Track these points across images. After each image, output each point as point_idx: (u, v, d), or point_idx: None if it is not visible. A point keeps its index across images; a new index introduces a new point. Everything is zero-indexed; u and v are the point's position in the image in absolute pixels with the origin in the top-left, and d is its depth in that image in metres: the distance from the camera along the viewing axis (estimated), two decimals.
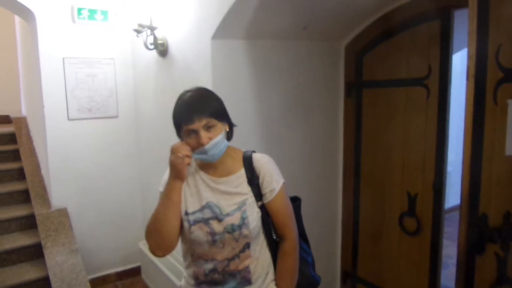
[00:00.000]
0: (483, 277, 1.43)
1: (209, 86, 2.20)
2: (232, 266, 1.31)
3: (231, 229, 1.28)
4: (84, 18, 3.08)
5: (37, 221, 2.99)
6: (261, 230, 1.35)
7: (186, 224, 1.31)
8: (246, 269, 1.32)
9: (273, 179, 1.35)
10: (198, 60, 2.31)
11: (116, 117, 3.30)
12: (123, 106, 3.34)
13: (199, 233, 1.29)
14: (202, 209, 1.32)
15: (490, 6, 1.35)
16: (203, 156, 1.28)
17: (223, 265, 1.31)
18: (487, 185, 1.39)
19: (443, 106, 2.06)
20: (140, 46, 2.84)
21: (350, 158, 2.61)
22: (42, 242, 2.84)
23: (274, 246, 1.38)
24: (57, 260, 2.71)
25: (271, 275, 1.38)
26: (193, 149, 1.27)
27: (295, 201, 1.51)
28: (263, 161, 1.38)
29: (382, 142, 2.39)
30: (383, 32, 2.33)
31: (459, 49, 2.43)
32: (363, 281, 2.59)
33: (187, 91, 1.33)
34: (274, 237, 1.37)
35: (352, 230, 2.64)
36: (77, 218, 3.18)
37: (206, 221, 1.30)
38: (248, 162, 1.37)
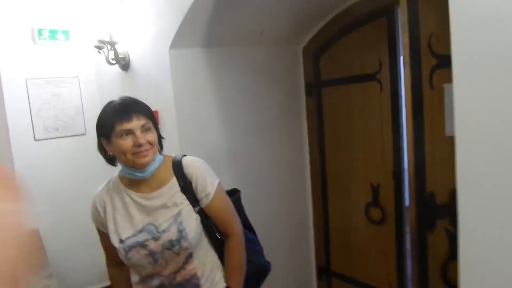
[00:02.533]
0: (436, 253, 1.51)
1: (171, 95, 2.26)
2: (179, 277, 1.30)
3: (170, 245, 1.25)
4: (45, 38, 3.09)
5: None
6: (203, 234, 1.33)
7: (122, 252, 1.27)
8: (194, 276, 1.31)
9: (206, 182, 1.31)
10: (158, 72, 2.36)
11: (84, 134, 3.30)
12: (90, 123, 3.33)
13: (137, 256, 1.26)
14: (137, 233, 1.27)
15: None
16: (137, 174, 1.25)
17: (170, 279, 1.30)
18: (431, 165, 1.47)
19: (395, 98, 2.16)
20: (103, 62, 2.87)
21: (315, 156, 2.68)
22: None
23: (220, 244, 1.37)
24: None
25: (219, 273, 1.37)
26: (125, 153, 1.21)
27: (235, 194, 1.52)
28: (194, 166, 1.33)
29: (344, 138, 2.48)
30: (337, 33, 2.43)
31: None
32: (337, 275, 2.65)
33: (114, 100, 1.29)
34: (219, 237, 1.35)
35: (323, 226, 2.71)
36: (51, 238, 3.14)
37: (142, 244, 1.26)
38: (179, 169, 1.31)
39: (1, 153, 3.60)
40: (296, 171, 2.74)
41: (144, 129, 1.23)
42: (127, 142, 1.20)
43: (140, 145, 1.20)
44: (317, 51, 2.58)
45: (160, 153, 1.33)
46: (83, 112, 3.29)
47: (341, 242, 2.60)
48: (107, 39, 2.66)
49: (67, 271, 3.23)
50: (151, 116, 1.27)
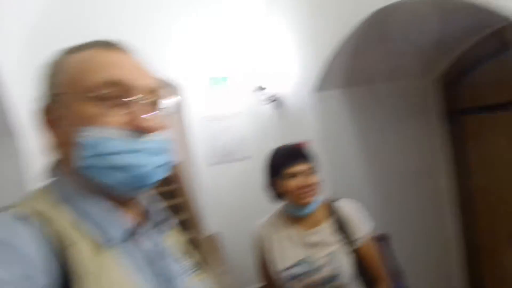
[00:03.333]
0: None
1: (315, 131, 2.67)
2: None
3: (325, 282, 1.33)
4: (217, 84, 3.90)
5: (195, 244, 3.79)
6: (355, 275, 1.38)
7: (282, 280, 1.38)
8: None
9: (361, 225, 1.41)
10: (304, 111, 2.81)
11: (246, 159, 4.00)
12: (252, 149, 4.02)
13: (294, 287, 1.36)
14: (294, 266, 1.37)
15: None
16: (299, 212, 1.40)
17: None
18: None
19: None
20: (260, 101, 3.50)
21: (459, 182, 2.73)
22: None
23: (370, 287, 1.41)
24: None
25: None
26: (291, 193, 1.38)
27: (384, 239, 1.65)
28: (350, 207, 1.44)
29: (489, 163, 2.46)
30: (477, 59, 2.42)
31: None
32: None
33: (283, 145, 1.49)
34: (367, 281, 1.40)
35: (468, 250, 2.73)
36: (229, 241, 3.89)
37: (299, 276, 1.35)
38: (335, 210, 1.43)
39: (187, 174, 4.62)
40: (434, 197, 2.81)
41: (308, 173, 1.38)
42: (293, 184, 1.37)
43: (304, 187, 1.36)
44: (456, 78, 2.63)
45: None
46: (244, 142, 4.00)
47: (489, 267, 2.58)
48: (263, 84, 3.27)
49: (242, 269, 3.92)
50: (314, 161, 1.42)
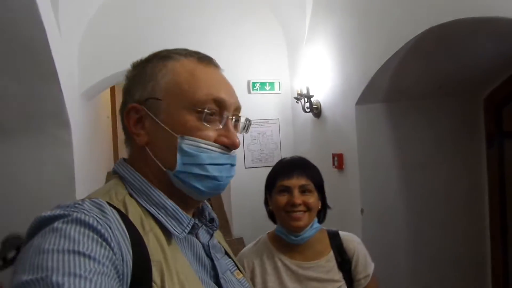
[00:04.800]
0: None
1: (354, 143, 2.69)
2: None
3: None
4: (257, 89, 3.99)
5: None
6: None
7: None
8: None
9: (367, 262, 1.25)
10: (345, 122, 2.84)
11: None
12: (289, 155, 4.07)
13: None
14: None
15: None
16: (291, 237, 1.20)
17: None
18: None
19: None
20: (299, 109, 3.55)
21: (497, 208, 2.68)
22: None
23: None
24: None
25: None
26: (279, 210, 1.21)
27: None
28: (355, 242, 1.28)
29: None
30: None
31: None
32: None
33: (286, 157, 1.34)
34: None
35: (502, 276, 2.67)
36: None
37: None
38: (336, 243, 1.26)
39: None
40: (472, 218, 2.77)
41: (303, 190, 1.20)
42: (282, 199, 1.20)
43: (294, 205, 1.17)
44: (500, 102, 2.61)
45: (320, 222, 1.27)
46: (280, 147, 4.06)
47: None
48: (304, 92, 3.32)
49: None
50: (316, 180, 1.23)
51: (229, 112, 0.72)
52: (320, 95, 3.25)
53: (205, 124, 0.69)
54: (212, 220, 0.82)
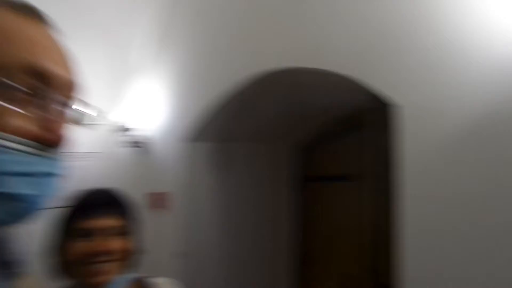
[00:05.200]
0: None
1: (179, 182, 2.60)
2: None
3: None
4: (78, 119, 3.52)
5: None
6: None
7: None
8: None
9: None
10: (169, 160, 2.74)
11: None
12: None
13: None
14: None
15: None
16: None
17: None
18: None
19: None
20: (121, 144, 3.25)
21: (300, 244, 2.94)
22: None
23: None
24: None
25: None
26: (72, 264, 0.88)
27: None
28: None
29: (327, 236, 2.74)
30: (328, 133, 2.77)
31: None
32: None
33: (92, 188, 0.98)
34: None
35: None
36: None
37: None
38: None
39: None
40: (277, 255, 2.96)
41: (115, 233, 0.91)
42: (82, 248, 0.87)
43: (97, 254, 0.87)
44: (309, 148, 2.94)
45: (133, 270, 0.98)
46: (101, 184, 3.62)
47: None
48: (123, 124, 3.06)
49: None
50: (129, 219, 0.96)
51: (56, 90, 0.45)
52: (146, 130, 3.06)
53: (9, 106, 0.41)
54: (9, 262, 0.52)
